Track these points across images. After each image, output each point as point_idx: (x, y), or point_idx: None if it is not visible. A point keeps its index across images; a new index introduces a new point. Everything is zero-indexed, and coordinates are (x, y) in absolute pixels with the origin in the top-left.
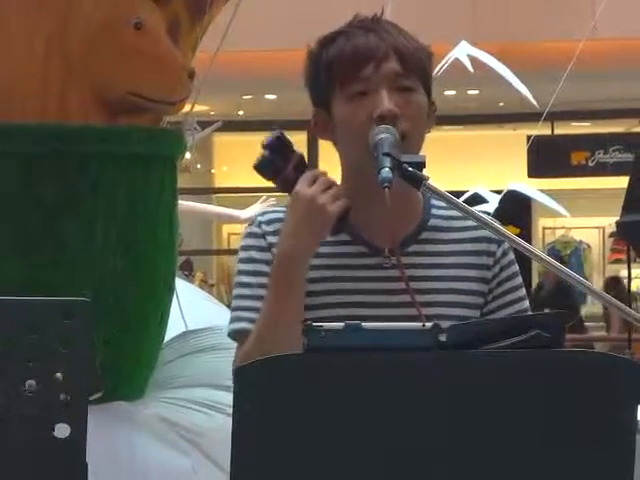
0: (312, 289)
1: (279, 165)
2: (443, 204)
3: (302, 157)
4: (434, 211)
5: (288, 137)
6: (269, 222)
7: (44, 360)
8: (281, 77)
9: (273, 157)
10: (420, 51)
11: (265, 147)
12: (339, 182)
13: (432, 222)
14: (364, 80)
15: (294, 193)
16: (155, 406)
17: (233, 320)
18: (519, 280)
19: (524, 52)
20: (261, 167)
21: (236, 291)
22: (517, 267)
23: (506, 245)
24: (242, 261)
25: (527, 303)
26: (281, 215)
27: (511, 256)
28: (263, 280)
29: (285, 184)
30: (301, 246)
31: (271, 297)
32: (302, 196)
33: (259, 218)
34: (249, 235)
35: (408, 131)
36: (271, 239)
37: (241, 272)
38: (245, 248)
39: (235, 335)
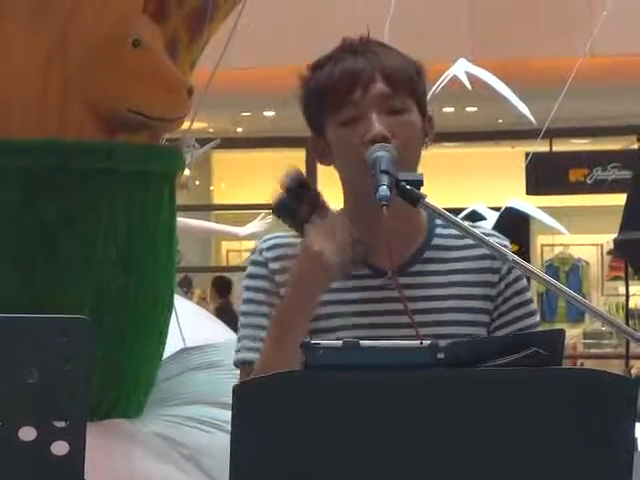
0: (316, 313)
1: (293, 210)
2: None
3: (317, 198)
4: (438, 230)
5: (304, 177)
6: (270, 248)
7: (42, 377)
8: (280, 94)
9: (287, 200)
10: (409, 68)
11: (282, 187)
12: (341, 203)
13: (435, 241)
14: (354, 105)
15: (302, 243)
16: (154, 424)
17: (237, 350)
18: (527, 295)
19: (522, 69)
20: (276, 210)
21: (240, 320)
22: (525, 282)
23: None
24: (245, 289)
25: (537, 318)
26: (283, 240)
27: (517, 272)
28: (262, 309)
29: (298, 229)
30: (304, 299)
31: (270, 342)
32: (308, 249)
33: (261, 245)
34: (252, 263)
35: (400, 152)
36: (273, 266)
37: (244, 301)
38: (248, 276)
39: (238, 364)
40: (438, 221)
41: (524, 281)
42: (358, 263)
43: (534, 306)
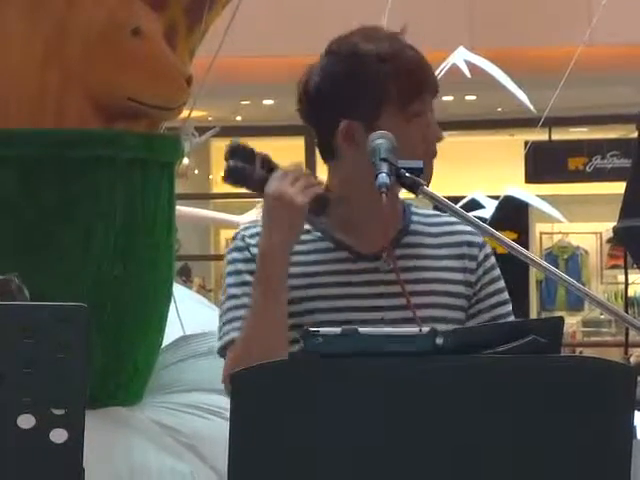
0: (303, 295)
1: (245, 170)
2: (422, 209)
3: (267, 157)
4: (414, 217)
5: (247, 144)
6: (252, 236)
7: (40, 365)
8: (279, 83)
9: (236, 164)
10: None
11: (226, 158)
12: (326, 183)
13: (413, 227)
14: (422, 100)
15: (265, 192)
16: (153, 411)
17: (225, 333)
18: (501, 283)
19: (521, 58)
20: (228, 177)
21: (225, 304)
22: (499, 271)
23: (488, 249)
24: (229, 274)
25: (510, 307)
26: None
27: (493, 260)
28: (249, 290)
29: (256, 187)
30: (276, 241)
31: (254, 296)
32: (270, 193)
33: (242, 232)
34: (234, 249)
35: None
36: (255, 251)
37: (229, 285)
38: (231, 261)
39: (227, 346)
40: (414, 208)
41: (498, 269)
42: (321, 208)
43: (507, 294)
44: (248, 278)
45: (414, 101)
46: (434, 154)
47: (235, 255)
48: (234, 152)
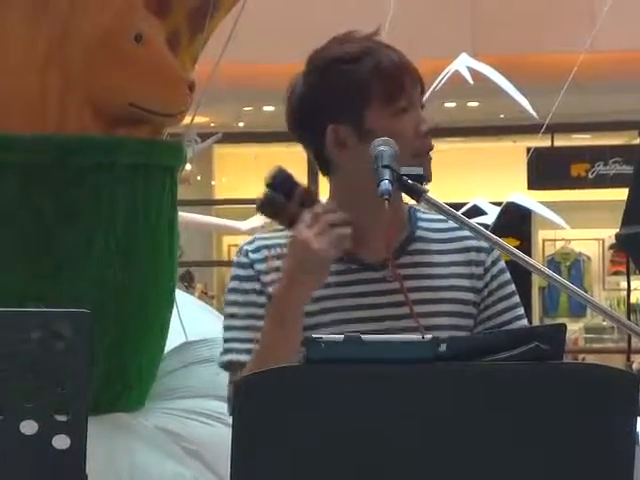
0: (309, 309)
1: (279, 204)
2: (427, 215)
3: (308, 191)
4: (420, 223)
5: (289, 172)
6: (256, 250)
7: (43, 371)
8: (281, 89)
9: (272, 196)
10: None
11: (268, 186)
12: (328, 197)
13: (419, 233)
14: (407, 96)
15: (293, 234)
16: (155, 417)
17: (224, 352)
18: (511, 288)
19: (524, 64)
20: (261, 208)
21: (225, 322)
22: (509, 275)
23: (495, 254)
24: (230, 291)
25: (521, 310)
26: (267, 242)
27: (501, 265)
28: (251, 310)
29: (288, 223)
30: (296, 290)
31: (266, 330)
32: (298, 240)
33: (246, 247)
34: (237, 265)
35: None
36: (259, 267)
37: (229, 303)
38: (233, 278)
39: (226, 366)
40: (420, 213)
41: (508, 274)
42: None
43: (517, 298)
44: (251, 298)
45: (398, 98)
46: (430, 147)
47: (238, 272)
48: (274, 179)
